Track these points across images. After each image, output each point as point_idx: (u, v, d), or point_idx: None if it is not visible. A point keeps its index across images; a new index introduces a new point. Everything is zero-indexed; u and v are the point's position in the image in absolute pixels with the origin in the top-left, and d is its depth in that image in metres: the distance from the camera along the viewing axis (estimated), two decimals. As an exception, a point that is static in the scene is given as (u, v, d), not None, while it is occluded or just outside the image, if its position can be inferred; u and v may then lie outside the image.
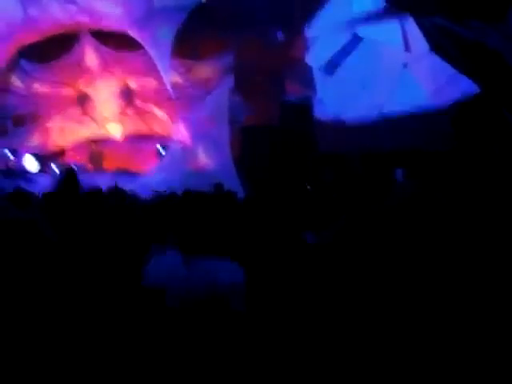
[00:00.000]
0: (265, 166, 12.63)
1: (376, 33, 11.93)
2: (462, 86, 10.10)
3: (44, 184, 13.79)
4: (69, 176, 6.37)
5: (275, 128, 13.25)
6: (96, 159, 16.97)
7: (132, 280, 3.24)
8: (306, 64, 13.57)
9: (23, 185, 13.51)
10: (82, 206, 6.44)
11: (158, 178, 13.73)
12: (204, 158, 14.01)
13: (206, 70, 14.69)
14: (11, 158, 15.90)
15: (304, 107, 13.38)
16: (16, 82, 15.97)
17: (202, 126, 13.91)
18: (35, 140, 16.82)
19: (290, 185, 10.36)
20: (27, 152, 16.26)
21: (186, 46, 13.83)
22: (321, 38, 12.97)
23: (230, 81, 13.40)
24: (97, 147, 17.05)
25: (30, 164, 15.95)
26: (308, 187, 10.13)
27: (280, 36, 14.09)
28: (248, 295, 3.01)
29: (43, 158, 16.48)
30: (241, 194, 11.34)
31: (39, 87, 16.24)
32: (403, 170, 7.06)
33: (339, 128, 12.28)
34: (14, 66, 15.49)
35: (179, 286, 3.00)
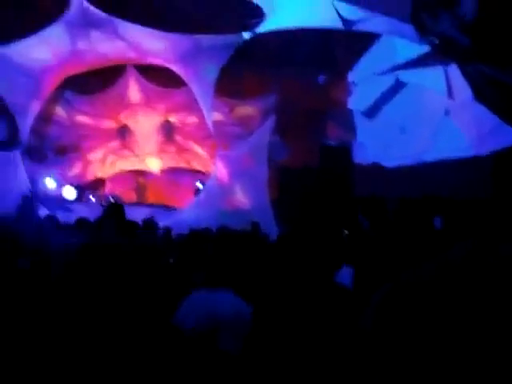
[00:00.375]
0: (302, 207, 12.60)
1: (419, 78, 11.93)
2: (504, 137, 10.00)
3: (80, 213, 14.00)
4: (115, 208, 6.48)
5: (314, 170, 13.28)
6: (141, 191, 17.24)
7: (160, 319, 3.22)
8: (348, 107, 13.66)
9: (60, 213, 13.82)
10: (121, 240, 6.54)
11: (194, 215, 13.80)
12: (241, 197, 14.03)
13: (247, 110, 14.88)
14: (50, 186, 16.21)
15: (343, 150, 13.42)
16: (60, 112, 16.40)
17: (240, 164, 13.97)
18: (75, 170, 17.16)
19: (326, 228, 10.30)
20: (66, 181, 16.57)
21: (229, 85, 14.00)
22: (363, 82, 13.04)
23: (270, 121, 13.44)
24: (142, 179, 17.32)
25: (69, 193, 16.22)
26: (344, 231, 10.06)
27: (322, 78, 14.21)
28: (252, 335, 2.91)
29: (82, 188, 16.77)
30: (275, 234, 11.40)
31: (82, 118, 16.64)
32: (442, 217, 6.98)
33: (379, 173, 12.22)
34: (58, 96, 15.89)
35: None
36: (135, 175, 17.59)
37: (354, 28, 11.16)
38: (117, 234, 6.66)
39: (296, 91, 13.73)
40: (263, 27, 11.91)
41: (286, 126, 13.77)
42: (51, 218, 8.31)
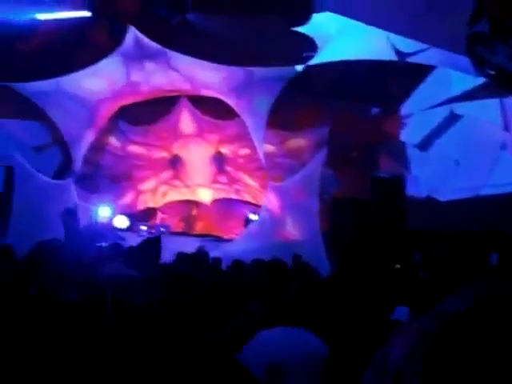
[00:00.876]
0: (354, 240, 12.51)
1: (474, 110, 11.84)
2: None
3: (132, 243, 14.22)
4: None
5: (366, 203, 13.21)
6: (191, 222, 17.42)
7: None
8: (401, 140, 13.63)
9: (112, 241, 14.05)
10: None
11: (244, 246, 13.84)
12: (292, 229, 14.05)
13: (299, 142, 14.94)
14: (104, 214, 16.52)
15: (396, 183, 13.35)
16: (113, 141, 16.80)
17: (292, 196, 14.00)
18: (127, 199, 17.47)
19: (379, 262, 10.18)
20: (118, 210, 16.85)
21: (282, 117, 14.10)
22: (417, 115, 13.02)
23: (322, 153, 13.45)
24: (193, 210, 17.50)
25: (120, 222, 16.49)
26: (397, 266, 9.95)
27: (375, 111, 14.21)
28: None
29: (133, 218, 17.02)
30: (327, 266, 11.35)
31: (135, 148, 17.00)
32: (498, 253, 6.84)
33: (432, 207, 12.11)
34: (112, 126, 16.31)
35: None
36: (186, 206, 17.77)
37: (409, 60, 11.19)
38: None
39: (348, 123, 13.74)
40: (316, 59, 12.04)
41: (338, 159, 13.79)
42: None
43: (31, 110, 14.71)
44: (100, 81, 14.21)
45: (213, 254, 11.39)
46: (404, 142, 13.69)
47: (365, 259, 10.74)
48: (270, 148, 15.08)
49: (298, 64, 12.58)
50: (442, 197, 12.24)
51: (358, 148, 14.00)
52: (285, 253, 10.28)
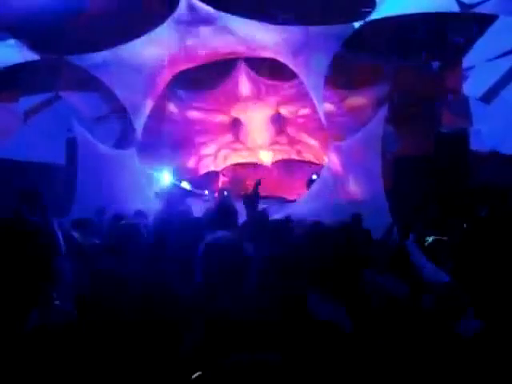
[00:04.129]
0: (417, 198, 12.64)
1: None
2: None
3: (195, 208, 14.68)
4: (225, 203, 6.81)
5: (429, 159, 13.25)
6: (239, 185, 17.70)
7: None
8: (463, 93, 13.55)
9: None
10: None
11: (307, 207, 14.14)
12: (354, 188, 14.18)
13: (359, 100, 14.99)
14: (167, 180, 17.06)
15: (459, 138, 13.33)
16: (172, 108, 17.27)
17: (353, 155, 14.09)
18: (189, 165, 17.95)
19: (443, 220, 10.34)
20: (181, 176, 17.36)
21: (341, 75, 14.19)
22: (479, 67, 12.91)
23: (384, 110, 13.39)
24: (255, 172, 17.79)
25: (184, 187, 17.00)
26: (463, 224, 10.06)
27: (436, 65, 14.12)
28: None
29: (195, 183, 17.50)
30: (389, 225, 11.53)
31: (194, 114, 17.45)
32: None
33: (497, 161, 12.09)
34: (170, 93, 16.73)
35: None
36: (248, 168, 18.09)
37: (471, 11, 11.09)
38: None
39: (409, 79, 13.71)
40: (375, 15, 12.04)
41: (400, 115, 13.78)
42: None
43: (89, 82, 15.08)
44: (156, 48, 14.42)
45: (277, 216, 11.80)
46: (467, 96, 13.62)
47: (429, 217, 10.87)
48: (330, 107, 15.22)
49: (355, 21, 12.57)
50: (506, 151, 12.21)
51: (419, 103, 13.96)
52: (347, 212, 10.58)
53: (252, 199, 6.76)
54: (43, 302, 3.38)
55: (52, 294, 3.47)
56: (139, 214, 9.47)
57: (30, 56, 13.84)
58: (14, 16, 12.79)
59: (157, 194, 16.05)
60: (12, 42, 13.51)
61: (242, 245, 3.36)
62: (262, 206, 14.00)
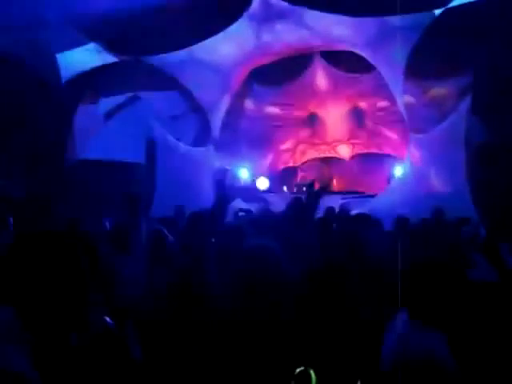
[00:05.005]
0: (504, 192, 12.28)
1: None
2: None
3: (274, 204, 14.79)
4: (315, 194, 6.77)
5: None
6: (325, 180, 17.66)
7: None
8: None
9: (255, 204, 14.66)
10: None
11: (389, 201, 13.99)
12: (436, 181, 13.95)
13: (441, 90, 14.64)
14: (244, 177, 17.25)
15: None
16: (249, 104, 17.38)
17: (435, 147, 13.83)
18: (267, 160, 18.06)
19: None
20: (259, 172, 17.49)
21: (421, 66, 13.89)
22: None
23: (467, 101, 13.11)
24: (326, 168, 17.78)
25: (262, 184, 17.14)
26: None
27: None
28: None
29: (274, 178, 17.61)
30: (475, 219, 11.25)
31: (271, 109, 17.51)
32: None
33: None
34: (246, 89, 16.85)
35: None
36: (326, 163, 18.07)
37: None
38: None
39: (492, 67, 13.30)
40: (455, 1, 11.80)
41: (484, 105, 13.41)
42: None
43: (167, 81, 15.35)
44: (231, 45, 14.61)
45: (357, 211, 11.70)
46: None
47: None
48: (409, 99, 14.90)
49: (436, 8, 12.34)
50: None
51: (503, 92, 13.55)
52: (429, 206, 10.39)
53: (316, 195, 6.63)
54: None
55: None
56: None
57: (109, 58, 14.29)
58: (92, 19, 13.14)
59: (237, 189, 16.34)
60: (91, 45, 13.93)
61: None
62: (341, 201, 14.06)
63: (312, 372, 2.63)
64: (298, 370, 2.63)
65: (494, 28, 12.38)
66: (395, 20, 12.79)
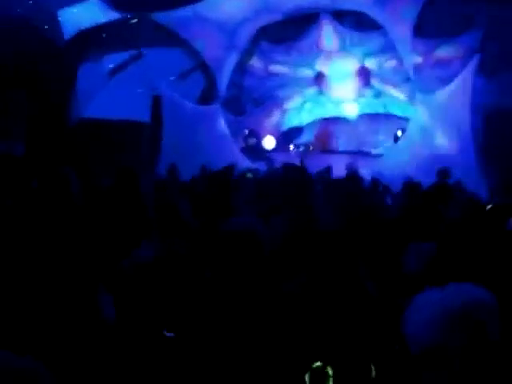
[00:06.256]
0: (509, 154, 12.60)
1: None
2: None
3: (280, 162, 15.17)
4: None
5: None
6: (325, 139, 18.02)
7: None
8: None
9: (262, 163, 15.07)
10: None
11: (394, 160, 14.40)
12: (443, 142, 14.23)
13: (448, 50, 14.88)
14: (249, 137, 17.61)
15: None
16: (256, 63, 17.62)
17: (442, 108, 14.11)
18: (273, 119, 18.39)
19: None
20: (266, 131, 17.87)
21: (429, 25, 14.15)
22: None
23: (475, 61, 13.34)
24: (327, 127, 18.06)
25: (269, 143, 17.53)
26: None
27: None
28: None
29: (280, 137, 17.98)
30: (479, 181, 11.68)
31: (278, 68, 17.74)
32: None
33: None
34: (253, 47, 17.10)
35: None
36: (333, 121, 18.34)
37: None
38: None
39: (501, 26, 13.50)
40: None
41: (492, 66, 13.61)
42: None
43: (171, 39, 15.65)
44: (238, 3, 14.88)
45: (363, 170, 12.11)
46: None
47: None
48: (417, 59, 15.23)
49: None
50: None
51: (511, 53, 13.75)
52: (435, 166, 10.79)
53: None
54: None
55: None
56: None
57: (113, 15, 14.53)
58: None
59: (243, 148, 16.69)
60: (94, 1, 14.17)
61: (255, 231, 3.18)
62: (348, 160, 14.42)
63: (329, 368, 2.67)
64: (314, 365, 2.67)
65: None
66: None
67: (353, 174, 9.17)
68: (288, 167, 7.77)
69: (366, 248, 3.88)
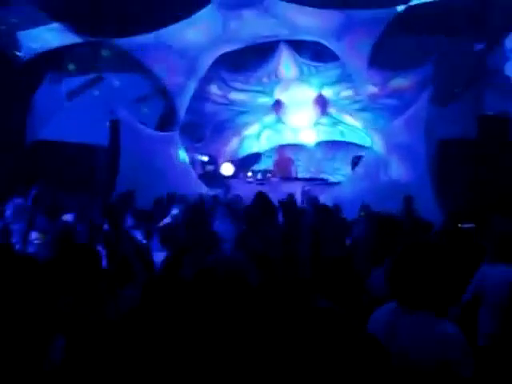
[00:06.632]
0: (462, 180, 13.04)
1: None
2: None
3: (238, 190, 15.40)
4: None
5: (473, 142, 13.60)
6: (285, 166, 18.27)
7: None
8: (506, 75, 13.93)
9: (220, 190, 15.29)
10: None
11: (351, 189, 14.74)
12: (398, 170, 14.59)
13: (403, 81, 15.34)
14: (208, 163, 17.80)
15: (503, 120, 13.66)
16: (215, 90, 17.92)
17: (397, 137, 14.55)
18: (232, 146, 18.67)
19: (491, 204, 10.79)
20: (223, 158, 18.10)
21: (384, 57, 14.58)
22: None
23: (428, 92, 13.78)
24: (286, 154, 18.34)
25: (227, 170, 17.71)
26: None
27: (479, 46, 14.42)
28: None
29: (238, 164, 18.19)
30: (435, 208, 12.01)
31: (236, 95, 18.09)
32: None
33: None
34: (213, 74, 17.34)
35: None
36: (291, 148, 18.65)
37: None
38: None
39: (452, 60, 14.01)
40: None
41: (443, 97, 14.09)
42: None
43: (132, 64, 15.68)
44: (199, 31, 14.97)
45: (320, 197, 12.42)
46: (509, 77, 13.98)
47: (476, 200, 11.09)
48: (373, 89, 15.68)
49: (398, 5, 13.06)
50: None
51: (462, 84, 14.26)
52: (391, 193, 11.15)
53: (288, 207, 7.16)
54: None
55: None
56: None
57: (73, 39, 14.50)
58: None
59: (201, 175, 16.85)
60: (55, 25, 14.20)
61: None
62: (306, 187, 14.71)
63: None
64: None
65: (451, 24, 13.17)
66: (360, 13, 13.50)
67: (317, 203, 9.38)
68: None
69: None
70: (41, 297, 3.08)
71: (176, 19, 14.33)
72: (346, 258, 4.38)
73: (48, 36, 14.36)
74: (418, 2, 12.56)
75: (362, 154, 16.35)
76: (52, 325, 3.08)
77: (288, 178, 16.98)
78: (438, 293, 2.91)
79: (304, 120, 18.01)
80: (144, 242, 6.50)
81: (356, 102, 16.78)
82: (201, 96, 17.65)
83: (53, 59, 14.98)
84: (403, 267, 2.97)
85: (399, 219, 6.85)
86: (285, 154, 18.13)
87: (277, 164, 17.91)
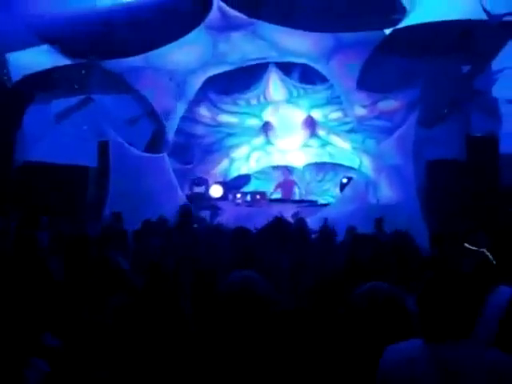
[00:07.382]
0: (451, 201, 13.31)
1: None
2: None
3: (227, 211, 15.57)
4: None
5: (461, 162, 13.89)
6: (282, 187, 18.43)
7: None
8: (493, 96, 14.29)
9: (208, 212, 15.40)
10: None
11: (340, 210, 14.92)
12: (387, 191, 14.93)
13: (391, 103, 15.65)
14: (197, 185, 17.92)
15: (490, 141, 13.97)
16: (204, 112, 18.18)
17: (386, 158, 14.88)
18: (221, 168, 18.86)
19: (479, 224, 11.02)
20: (213, 179, 18.26)
21: (372, 80, 14.89)
22: (509, 69, 13.64)
23: (416, 114, 14.11)
24: (283, 175, 18.54)
25: (216, 191, 17.78)
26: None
27: (466, 68, 14.83)
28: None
29: (227, 186, 18.36)
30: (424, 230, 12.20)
31: (226, 117, 18.36)
32: None
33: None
34: (202, 96, 17.62)
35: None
36: (279, 171, 18.88)
37: (498, 19, 11.86)
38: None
39: (438, 81, 14.33)
40: (405, 22, 12.89)
41: (431, 119, 14.41)
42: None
43: (121, 86, 15.97)
44: (188, 53, 15.27)
45: (309, 219, 12.56)
46: (496, 98, 14.44)
47: (464, 221, 11.29)
48: (361, 111, 16.01)
49: (386, 27, 13.38)
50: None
51: (449, 106, 14.60)
52: (379, 215, 11.36)
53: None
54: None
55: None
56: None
57: (63, 61, 14.74)
58: (47, 22, 13.62)
59: (189, 196, 16.96)
60: (45, 47, 14.38)
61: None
62: (294, 209, 14.84)
63: None
64: None
65: (438, 46, 13.51)
66: (348, 36, 13.83)
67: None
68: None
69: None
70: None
71: (166, 42, 14.55)
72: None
73: (37, 58, 14.49)
74: (405, 24, 12.81)
75: (351, 175, 16.52)
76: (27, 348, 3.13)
77: (276, 200, 17.13)
78: (469, 319, 2.83)
79: (293, 142, 18.23)
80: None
81: (345, 123, 17.09)
82: (190, 118, 17.91)
83: (42, 81, 15.04)
84: (438, 300, 2.86)
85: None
86: (288, 176, 18.32)
87: (281, 186, 18.09)
